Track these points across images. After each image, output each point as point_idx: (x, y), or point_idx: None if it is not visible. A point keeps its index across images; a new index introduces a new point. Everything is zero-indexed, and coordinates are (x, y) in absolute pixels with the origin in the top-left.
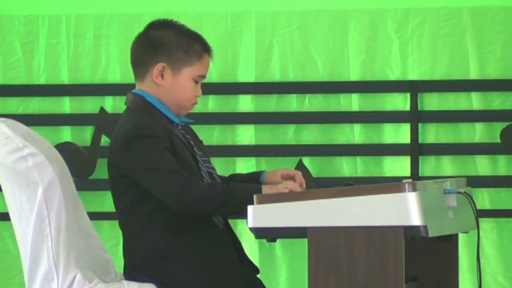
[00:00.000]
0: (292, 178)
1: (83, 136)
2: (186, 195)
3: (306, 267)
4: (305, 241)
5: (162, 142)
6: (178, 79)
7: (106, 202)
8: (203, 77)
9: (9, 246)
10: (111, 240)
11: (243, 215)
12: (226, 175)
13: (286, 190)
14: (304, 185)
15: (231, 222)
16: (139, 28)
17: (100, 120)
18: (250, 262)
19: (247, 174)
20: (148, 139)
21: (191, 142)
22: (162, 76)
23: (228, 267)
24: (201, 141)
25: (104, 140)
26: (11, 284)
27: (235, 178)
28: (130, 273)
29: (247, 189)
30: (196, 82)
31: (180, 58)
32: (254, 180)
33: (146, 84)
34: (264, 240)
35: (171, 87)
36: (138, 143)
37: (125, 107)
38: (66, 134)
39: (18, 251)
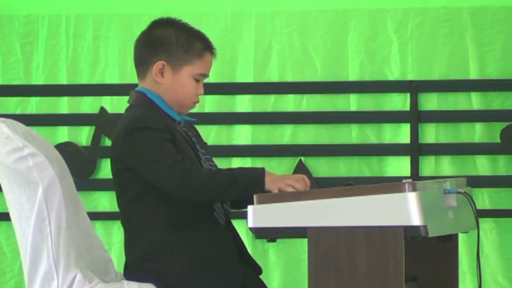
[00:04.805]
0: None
1: (81, 136)
2: (188, 185)
3: (300, 272)
4: (299, 245)
5: (162, 134)
6: (178, 77)
7: (100, 204)
8: (205, 75)
9: (4, 250)
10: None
11: (249, 198)
12: None
13: (289, 189)
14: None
15: None
16: (138, 28)
17: (101, 120)
18: (253, 262)
19: None
20: (148, 131)
21: (194, 139)
22: (162, 74)
23: (228, 265)
24: (205, 143)
25: (103, 141)
26: (5, 287)
27: None
28: (130, 271)
29: (250, 176)
30: (197, 80)
31: (180, 56)
32: None
33: (147, 82)
34: (258, 244)
35: (171, 85)
36: (139, 136)
37: (124, 106)
38: (64, 134)
39: (12, 255)
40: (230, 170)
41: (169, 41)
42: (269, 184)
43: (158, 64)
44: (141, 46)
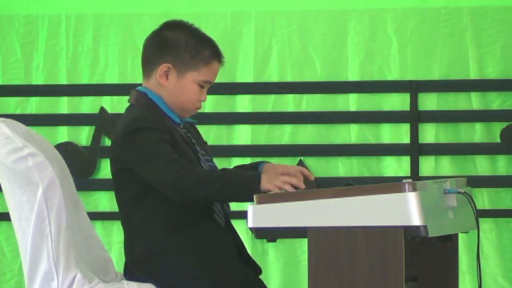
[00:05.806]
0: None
1: (81, 136)
2: (183, 183)
3: (299, 273)
4: (298, 246)
5: (160, 134)
6: (182, 81)
7: (100, 204)
8: (209, 83)
9: (4, 250)
10: None
11: (245, 200)
12: None
13: (286, 186)
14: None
15: None
16: (139, 28)
17: (101, 120)
18: (253, 263)
19: (248, 165)
20: (147, 131)
21: (193, 140)
22: (166, 76)
23: (228, 266)
24: (205, 142)
25: (103, 141)
26: (5, 287)
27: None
28: (130, 271)
29: (246, 176)
30: (202, 87)
31: (187, 61)
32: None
33: (151, 82)
34: (257, 245)
35: (175, 88)
36: (137, 135)
37: (124, 106)
38: (64, 134)
39: (12, 255)
40: (227, 170)
41: (177, 45)
42: (265, 184)
43: (164, 66)
44: (150, 45)
